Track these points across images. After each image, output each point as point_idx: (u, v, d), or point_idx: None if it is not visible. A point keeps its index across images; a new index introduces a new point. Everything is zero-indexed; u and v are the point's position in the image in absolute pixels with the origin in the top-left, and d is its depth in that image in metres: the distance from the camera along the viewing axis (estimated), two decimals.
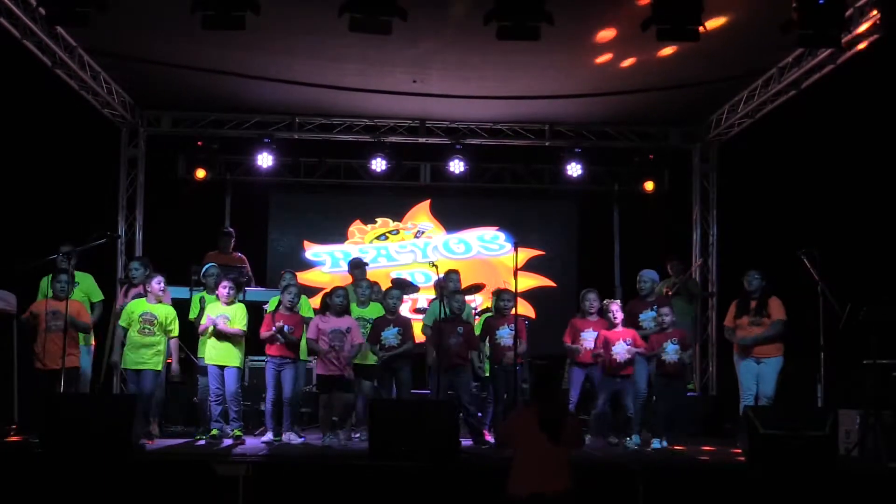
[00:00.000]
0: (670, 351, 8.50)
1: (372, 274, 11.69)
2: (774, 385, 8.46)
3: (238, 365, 8.45)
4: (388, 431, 7.11)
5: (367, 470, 6.79)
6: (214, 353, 8.39)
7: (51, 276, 8.43)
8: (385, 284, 9.77)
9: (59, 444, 6.90)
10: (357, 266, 9.72)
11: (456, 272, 9.25)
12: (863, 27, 8.14)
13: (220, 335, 8.37)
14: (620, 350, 8.48)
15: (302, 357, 8.67)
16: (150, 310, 8.35)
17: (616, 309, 8.68)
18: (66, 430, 6.94)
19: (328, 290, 8.71)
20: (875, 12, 7.96)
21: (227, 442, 8.24)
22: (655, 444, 8.44)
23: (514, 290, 8.36)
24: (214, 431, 8.34)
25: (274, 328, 8.30)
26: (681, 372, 8.66)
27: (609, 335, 8.59)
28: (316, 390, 8.63)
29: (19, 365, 8.79)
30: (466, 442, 8.17)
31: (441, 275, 8.76)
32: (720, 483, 6.82)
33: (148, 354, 8.27)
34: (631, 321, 8.84)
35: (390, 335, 8.45)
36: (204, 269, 9.23)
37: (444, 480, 6.66)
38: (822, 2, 7.40)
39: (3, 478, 6.54)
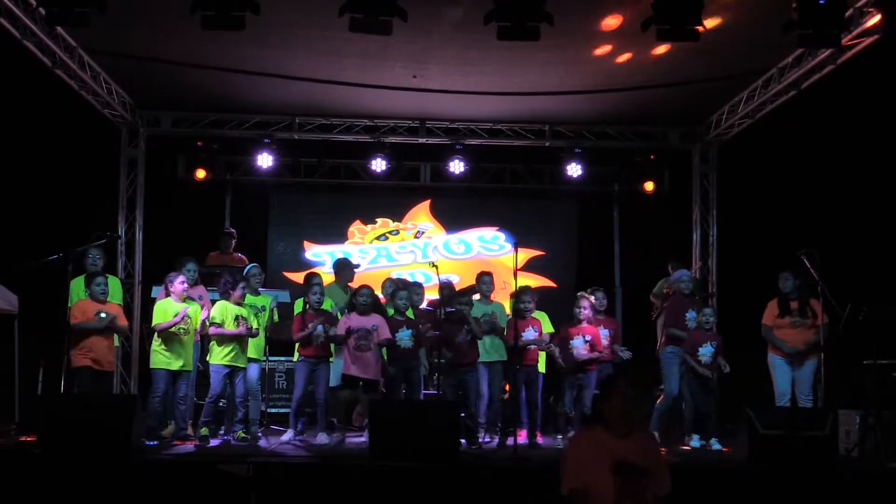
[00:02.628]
0: (706, 353, 8.55)
1: (372, 274, 11.73)
2: (811, 385, 8.48)
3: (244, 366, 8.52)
4: (388, 431, 7.11)
5: (367, 470, 6.79)
6: (231, 355, 8.33)
7: (84, 277, 8.38)
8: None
9: (59, 445, 6.90)
10: (343, 267, 9.63)
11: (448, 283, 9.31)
12: (863, 27, 8.14)
13: (235, 337, 8.34)
14: (578, 345, 8.54)
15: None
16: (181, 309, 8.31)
17: (585, 305, 8.71)
18: (66, 430, 6.95)
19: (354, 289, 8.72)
20: (875, 12, 7.96)
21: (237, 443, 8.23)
22: (694, 442, 8.53)
23: (530, 287, 8.43)
24: (204, 431, 8.27)
25: (309, 328, 8.32)
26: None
27: (571, 331, 8.64)
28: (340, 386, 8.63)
29: (20, 365, 8.80)
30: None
31: (442, 276, 8.78)
32: (720, 483, 6.82)
33: (184, 354, 8.28)
34: (674, 320, 8.96)
35: (405, 337, 8.44)
36: (246, 270, 9.09)
37: (444, 480, 6.66)
38: (822, 2, 7.40)
39: (3, 478, 6.55)
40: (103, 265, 8.64)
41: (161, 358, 8.20)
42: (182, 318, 8.19)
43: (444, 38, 9.03)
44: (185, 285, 8.35)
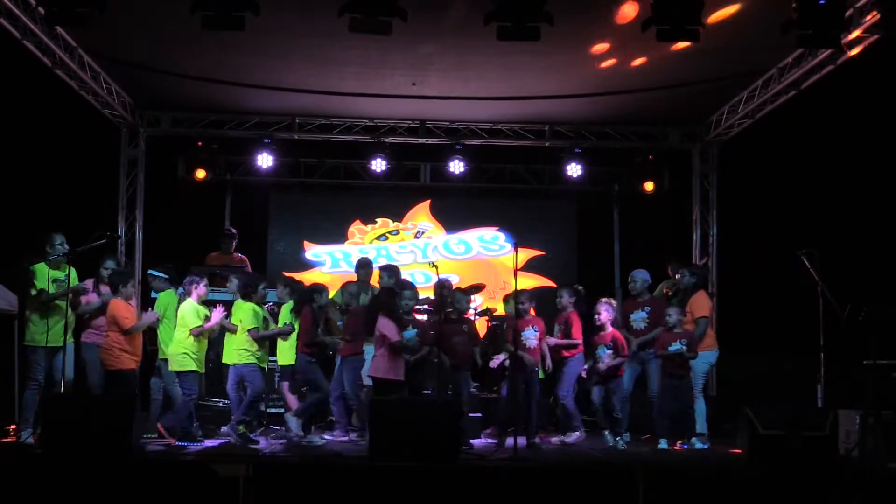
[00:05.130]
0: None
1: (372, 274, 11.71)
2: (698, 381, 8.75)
3: None
4: (388, 431, 7.11)
5: (367, 470, 6.79)
6: (260, 354, 8.64)
7: (48, 269, 8.43)
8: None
9: (58, 445, 6.90)
10: (363, 266, 9.77)
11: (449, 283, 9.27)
12: (863, 27, 8.14)
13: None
14: (602, 355, 8.64)
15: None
16: (206, 312, 8.52)
17: (604, 310, 8.74)
18: (66, 431, 6.94)
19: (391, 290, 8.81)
20: (875, 13, 7.96)
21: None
22: (663, 444, 8.51)
23: (526, 289, 8.47)
24: (241, 428, 8.45)
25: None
26: (688, 372, 8.68)
27: (596, 340, 8.74)
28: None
29: (20, 365, 8.79)
30: None
31: (441, 276, 8.79)
32: (720, 483, 6.82)
33: (201, 355, 8.51)
34: (623, 321, 8.96)
35: (412, 335, 8.46)
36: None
37: (444, 480, 6.66)
38: (822, 2, 7.40)
39: (3, 478, 6.54)
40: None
41: (193, 361, 8.39)
42: (218, 322, 8.48)
43: (444, 45, 9.03)
44: (207, 289, 8.68)
